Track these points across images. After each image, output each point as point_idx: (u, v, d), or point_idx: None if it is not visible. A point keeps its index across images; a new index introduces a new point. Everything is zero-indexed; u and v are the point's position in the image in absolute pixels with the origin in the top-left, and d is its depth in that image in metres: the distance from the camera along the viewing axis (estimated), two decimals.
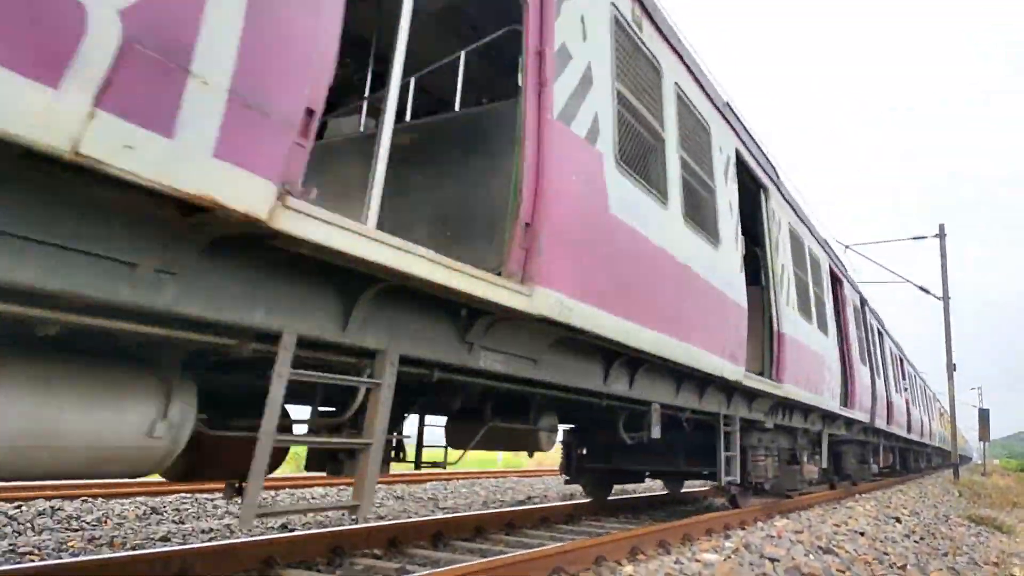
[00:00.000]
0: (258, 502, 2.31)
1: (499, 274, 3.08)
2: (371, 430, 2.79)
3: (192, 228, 2.03)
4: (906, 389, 18.30)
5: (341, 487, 9.71)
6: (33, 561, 4.24)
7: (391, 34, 2.89)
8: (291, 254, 2.29)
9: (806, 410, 8.88)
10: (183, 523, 6.32)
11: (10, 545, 4.69)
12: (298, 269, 2.48)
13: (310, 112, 2.13)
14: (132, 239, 1.94)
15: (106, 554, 4.40)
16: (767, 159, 7.70)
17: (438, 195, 3.87)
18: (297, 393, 3.47)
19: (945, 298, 20.22)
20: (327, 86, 2.21)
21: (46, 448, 2.00)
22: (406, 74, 4.18)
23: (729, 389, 6.52)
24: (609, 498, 8.47)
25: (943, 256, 20.29)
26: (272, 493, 8.95)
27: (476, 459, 21.67)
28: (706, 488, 11.70)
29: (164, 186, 1.73)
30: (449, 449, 4.76)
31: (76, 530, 5.71)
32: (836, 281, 11.21)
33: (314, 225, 2.14)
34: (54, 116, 1.51)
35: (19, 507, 6.20)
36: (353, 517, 4.84)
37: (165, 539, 5.21)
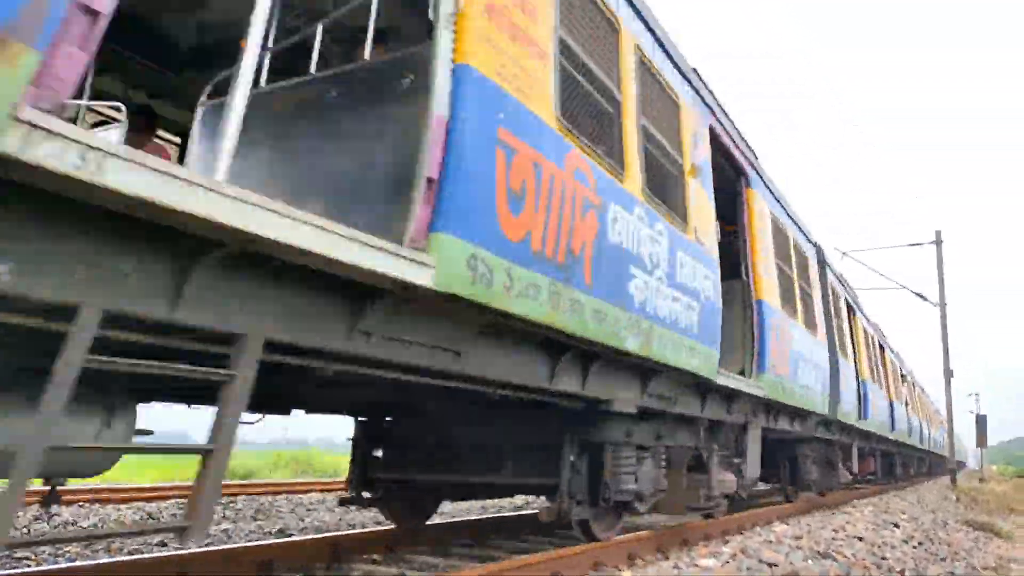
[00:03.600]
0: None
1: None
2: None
3: None
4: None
5: (336, 491, 9.68)
6: (30, 566, 4.22)
7: None
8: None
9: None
10: None
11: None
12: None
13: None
14: None
15: (103, 559, 4.39)
16: None
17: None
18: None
19: (942, 304, 20.28)
20: None
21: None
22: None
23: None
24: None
25: (940, 262, 20.37)
26: (270, 498, 8.93)
27: None
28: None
29: None
30: None
31: None
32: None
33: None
34: None
35: None
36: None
37: (162, 544, 5.20)
